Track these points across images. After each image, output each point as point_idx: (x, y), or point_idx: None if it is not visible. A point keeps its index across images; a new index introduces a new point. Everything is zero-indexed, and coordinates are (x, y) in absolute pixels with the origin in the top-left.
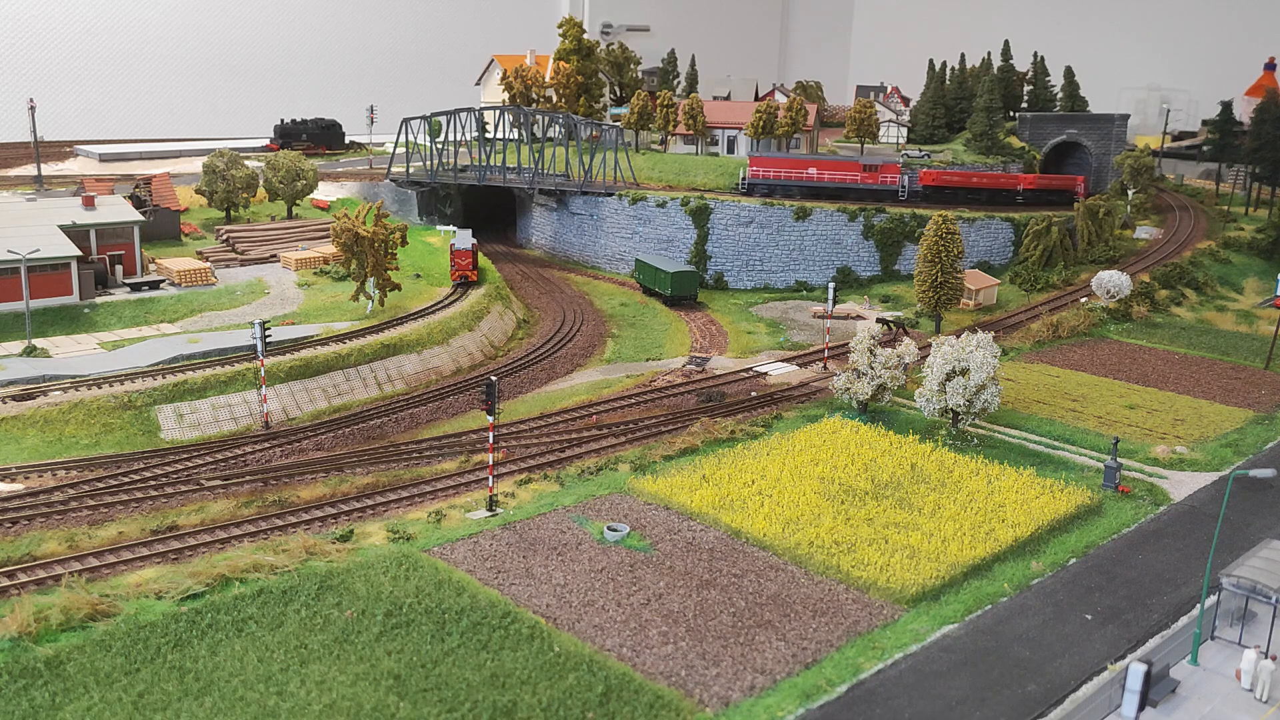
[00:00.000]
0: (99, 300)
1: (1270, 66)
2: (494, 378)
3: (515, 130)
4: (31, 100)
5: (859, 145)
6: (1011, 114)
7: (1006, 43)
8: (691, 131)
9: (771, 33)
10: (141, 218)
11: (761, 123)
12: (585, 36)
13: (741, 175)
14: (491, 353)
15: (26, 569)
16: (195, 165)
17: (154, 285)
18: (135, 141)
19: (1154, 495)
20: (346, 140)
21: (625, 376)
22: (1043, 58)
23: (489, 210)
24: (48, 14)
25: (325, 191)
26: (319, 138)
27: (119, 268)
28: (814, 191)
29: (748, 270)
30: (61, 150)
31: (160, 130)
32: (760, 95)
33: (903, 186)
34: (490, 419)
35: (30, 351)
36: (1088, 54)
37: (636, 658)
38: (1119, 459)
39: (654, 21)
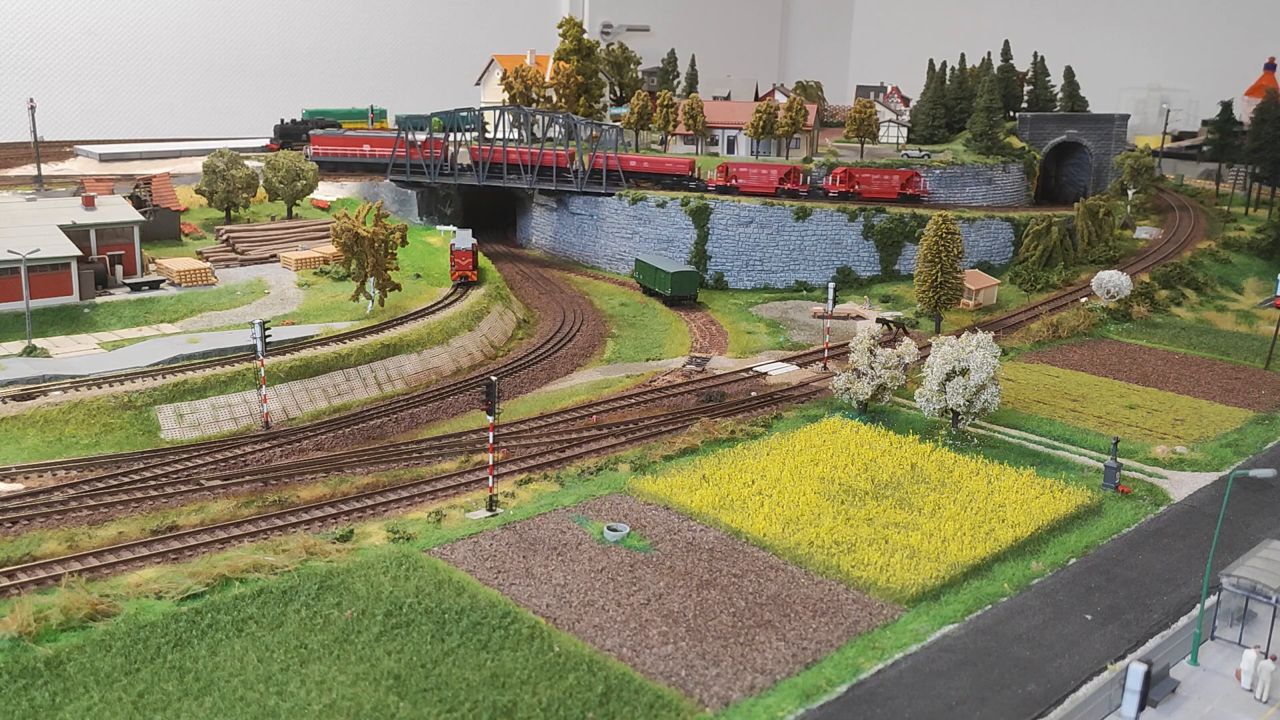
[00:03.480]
0: (99, 300)
1: (1270, 66)
2: (494, 378)
3: (515, 130)
4: (31, 100)
5: (859, 145)
6: (1011, 114)
7: (1006, 43)
8: (691, 131)
9: (771, 33)
10: (141, 218)
11: (761, 123)
12: (585, 36)
13: (307, 154)
14: (491, 353)
15: (26, 569)
16: (195, 165)
17: (154, 285)
18: (135, 141)
19: (1154, 495)
20: None
21: (625, 376)
22: (1043, 58)
23: (489, 210)
24: (48, 14)
25: (325, 191)
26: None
27: (119, 268)
28: (352, 166)
29: (748, 270)
30: (61, 150)
31: (160, 130)
32: (760, 95)
33: (453, 162)
34: (490, 419)
35: (30, 351)
36: (1088, 54)
37: (636, 658)
38: (1119, 459)
39: (654, 21)
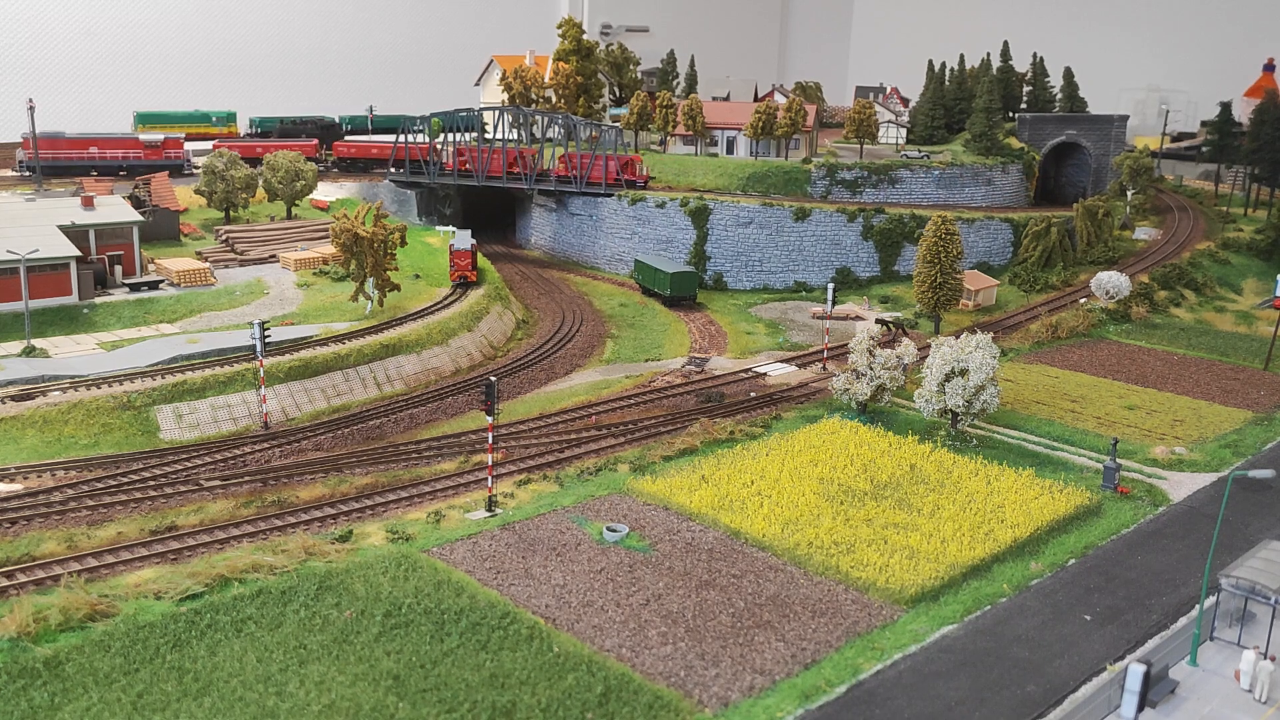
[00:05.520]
0: (98, 300)
1: (1269, 67)
2: (493, 378)
3: (515, 131)
4: (31, 100)
5: (858, 146)
6: (1011, 115)
7: (1006, 43)
8: (691, 132)
9: (771, 33)
10: (141, 218)
11: (760, 123)
12: (585, 37)
13: (19, 158)
14: (491, 353)
15: (26, 569)
16: None
17: (153, 285)
18: None
19: (1153, 496)
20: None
21: (624, 377)
22: (1042, 58)
23: (489, 210)
24: (47, 14)
25: (325, 191)
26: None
27: (118, 268)
28: (73, 169)
29: (747, 271)
30: None
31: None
32: (760, 96)
33: (187, 162)
34: (490, 419)
35: (30, 352)
36: (1087, 54)
37: (636, 658)
38: (1118, 460)
39: (654, 22)
